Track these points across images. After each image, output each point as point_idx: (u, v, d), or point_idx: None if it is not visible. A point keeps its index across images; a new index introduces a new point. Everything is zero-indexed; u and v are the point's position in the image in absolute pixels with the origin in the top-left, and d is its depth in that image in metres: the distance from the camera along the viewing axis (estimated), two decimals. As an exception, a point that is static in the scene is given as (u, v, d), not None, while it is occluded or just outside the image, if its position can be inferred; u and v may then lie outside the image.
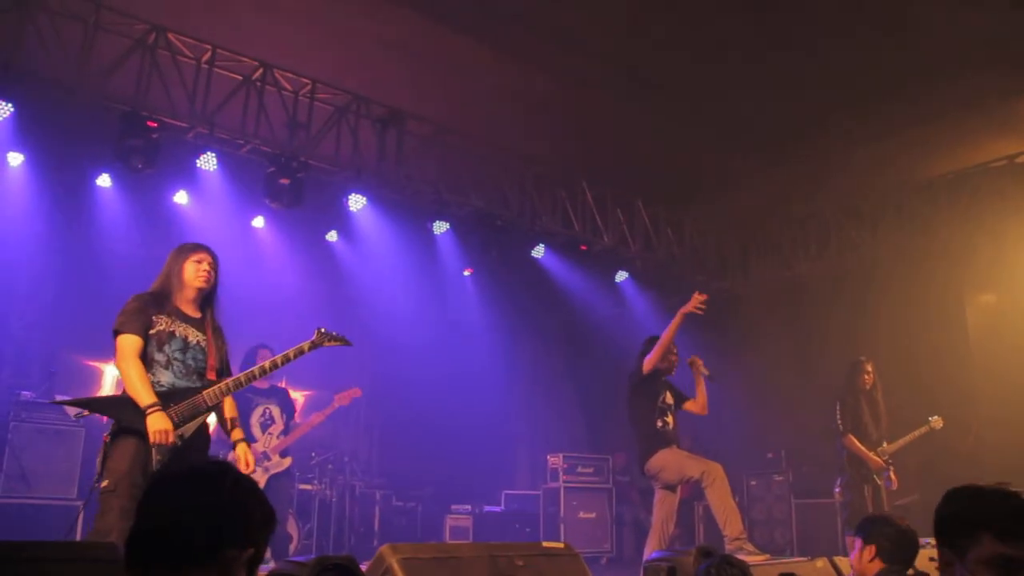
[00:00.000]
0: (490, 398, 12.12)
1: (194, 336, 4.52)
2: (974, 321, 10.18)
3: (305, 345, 4.63)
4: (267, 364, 4.57)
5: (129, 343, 4.32)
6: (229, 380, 4.52)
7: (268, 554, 7.51)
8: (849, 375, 8.14)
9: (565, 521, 10.11)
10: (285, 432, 7.68)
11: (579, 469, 10.53)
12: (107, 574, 2.77)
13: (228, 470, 1.88)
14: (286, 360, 4.58)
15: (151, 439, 4.08)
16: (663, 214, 11.60)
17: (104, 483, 4.11)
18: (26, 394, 8.09)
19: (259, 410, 7.63)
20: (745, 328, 11.94)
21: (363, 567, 3.46)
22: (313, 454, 9.55)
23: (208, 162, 8.37)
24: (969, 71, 8.47)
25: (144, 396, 4.18)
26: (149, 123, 7.66)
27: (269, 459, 7.47)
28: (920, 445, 8.41)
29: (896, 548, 3.60)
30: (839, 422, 7.97)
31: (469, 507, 10.56)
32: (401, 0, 8.03)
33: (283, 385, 8.26)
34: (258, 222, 9.92)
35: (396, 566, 3.31)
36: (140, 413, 4.14)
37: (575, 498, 10.32)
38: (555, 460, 10.48)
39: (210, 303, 4.72)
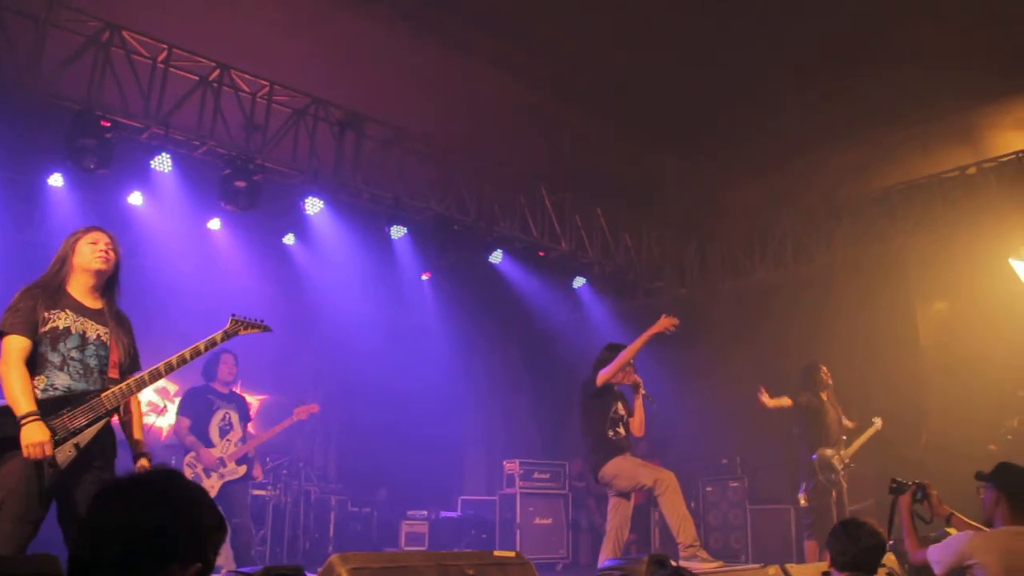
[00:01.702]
0: (446, 403, 12.09)
1: (93, 330, 4.10)
2: (925, 329, 10.34)
3: (217, 336, 4.25)
4: (175, 359, 4.12)
5: (15, 346, 3.88)
6: (131, 380, 4.08)
7: (224, 559, 7.43)
8: (808, 376, 8.23)
9: (521, 527, 10.08)
10: (243, 440, 7.60)
11: (535, 475, 10.52)
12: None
13: (175, 480, 1.79)
14: (196, 353, 4.17)
15: (23, 453, 3.67)
16: (621, 221, 11.65)
17: None
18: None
19: (219, 414, 7.54)
20: (702, 335, 12.00)
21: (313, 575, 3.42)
22: (268, 459, 9.45)
23: (163, 163, 8.24)
24: (923, 82, 8.60)
25: (21, 405, 3.75)
26: (102, 122, 7.53)
27: (225, 465, 7.39)
28: (874, 453, 8.55)
29: (869, 557, 3.62)
30: (800, 423, 8.10)
31: (425, 513, 10.51)
32: (362, 3, 7.99)
33: (238, 390, 8.15)
34: (214, 224, 9.80)
35: (346, 575, 3.27)
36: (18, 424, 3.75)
37: (531, 504, 10.30)
38: (511, 466, 10.46)
39: (111, 290, 4.28)
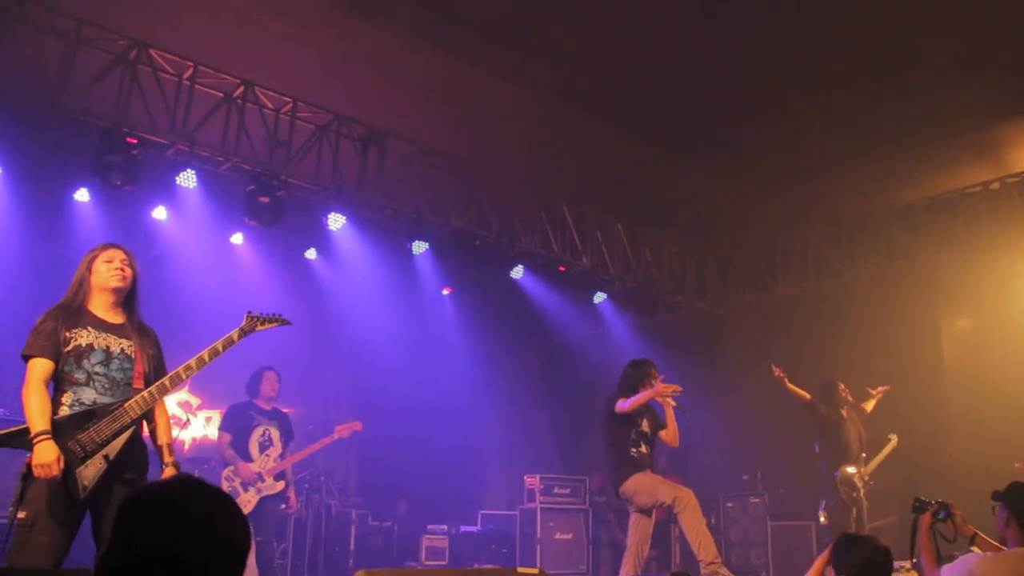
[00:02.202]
0: (467, 418, 12.10)
1: (116, 344, 4.16)
2: (949, 345, 10.29)
3: (234, 334, 4.28)
4: (194, 361, 4.15)
5: (38, 368, 3.96)
6: (153, 387, 4.11)
7: (248, 574, 7.47)
8: (827, 394, 8.22)
9: (541, 542, 10.06)
10: (282, 456, 7.65)
11: (556, 490, 10.50)
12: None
13: (218, 500, 1.73)
14: (215, 353, 4.19)
15: (33, 472, 3.73)
16: (642, 236, 11.65)
17: (21, 514, 3.75)
18: (-1, 411, 7.99)
19: (259, 431, 7.61)
20: (722, 350, 12.00)
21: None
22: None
23: (188, 179, 8.34)
24: (945, 97, 8.57)
25: (36, 424, 3.81)
26: (129, 139, 7.62)
27: (263, 480, 7.44)
28: (895, 468, 8.51)
29: (864, 574, 3.59)
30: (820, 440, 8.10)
31: (445, 527, 10.50)
32: (382, 19, 8.05)
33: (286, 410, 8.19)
34: (237, 239, 9.89)
35: (371, 590, 3.29)
36: (55, 438, 3.82)
37: (552, 519, 10.28)
38: (532, 480, 10.44)
39: (131, 304, 4.33)
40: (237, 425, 7.58)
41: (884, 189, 10.28)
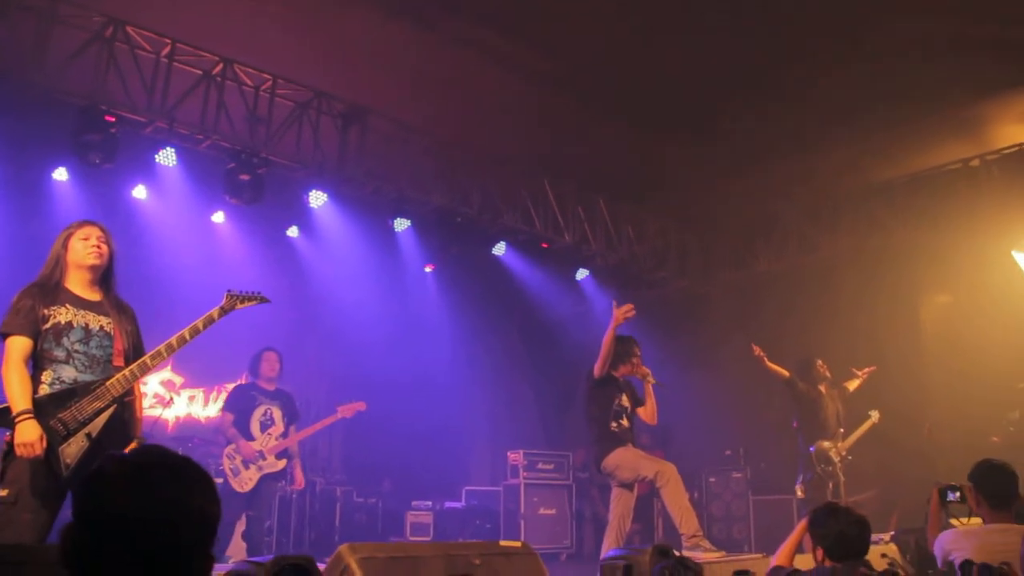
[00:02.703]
0: (451, 394, 12.14)
1: (96, 322, 4.14)
2: (928, 322, 10.40)
3: (214, 312, 4.26)
4: (174, 339, 4.13)
5: (16, 346, 3.93)
6: (134, 364, 4.09)
7: (236, 551, 7.50)
8: (804, 370, 8.28)
9: (525, 517, 10.15)
10: (284, 435, 7.67)
11: (539, 465, 10.58)
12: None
13: (181, 467, 1.64)
14: (195, 332, 4.18)
15: (16, 451, 3.71)
16: (625, 213, 11.68)
17: (3, 492, 3.73)
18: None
19: (260, 410, 7.62)
20: (704, 326, 12.07)
21: (322, 566, 3.47)
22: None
23: (167, 157, 8.31)
24: (926, 74, 8.60)
25: (17, 403, 3.80)
26: (107, 117, 7.57)
27: (264, 458, 7.47)
28: (874, 444, 8.60)
29: (838, 545, 3.63)
30: (798, 415, 8.18)
31: (430, 503, 10.57)
32: (363, -2, 8.00)
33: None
34: (218, 217, 9.85)
35: (354, 565, 3.32)
36: (36, 416, 3.81)
37: (535, 494, 10.37)
38: (515, 456, 10.52)
39: (108, 282, 4.31)
40: (239, 405, 7.64)
41: (863, 166, 10.33)
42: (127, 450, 3.94)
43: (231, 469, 7.36)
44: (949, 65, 8.43)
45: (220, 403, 9.34)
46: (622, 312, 6.46)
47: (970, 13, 7.85)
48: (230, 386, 8.69)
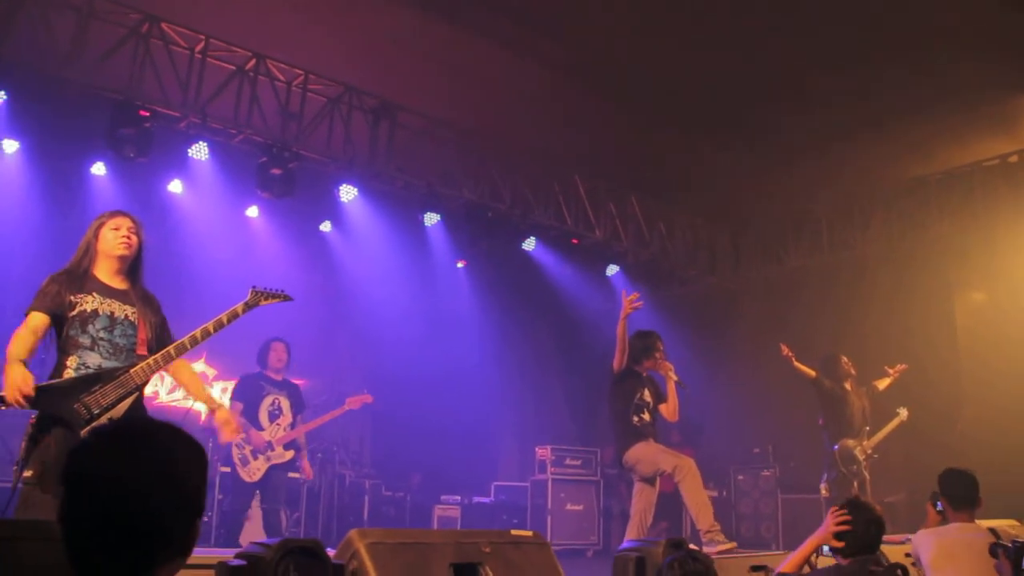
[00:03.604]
0: (480, 389, 12.17)
1: (121, 311, 4.23)
2: (963, 319, 10.24)
3: (239, 307, 4.33)
4: (199, 332, 4.22)
5: (32, 319, 4.07)
6: (158, 354, 4.17)
7: (243, 539, 7.55)
8: (829, 366, 8.20)
9: (552, 513, 10.16)
10: (292, 425, 7.74)
11: (567, 461, 10.59)
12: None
13: (168, 436, 1.65)
14: (219, 325, 4.25)
15: (7, 399, 3.81)
16: (655, 209, 11.65)
17: (27, 473, 3.81)
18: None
19: (268, 400, 7.67)
20: (734, 323, 12.01)
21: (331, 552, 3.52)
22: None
23: (200, 151, 8.42)
24: (962, 70, 8.49)
25: (11, 356, 3.91)
26: (141, 112, 7.71)
27: (273, 449, 7.53)
28: (905, 442, 8.50)
29: (851, 540, 3.63)
30: (823, 413, 8.12)
31: (458, 498, 10.61)
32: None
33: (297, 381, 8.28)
34: (252, 212, 9.97)
35: (363, 550, 3.36)
36: (63, 401, 3.91)
37: (563, 490, 10.37)
38: (543, 452, 10.53)
39: (136, 273, 4.39)
40: (247, 395, 7.68)
41: (897, 162, 10.21)
42: (216, 416, 4.49)
43: (240, 459, 7.42)
44: (987, 60, 8.32)
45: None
46: (629, 302, 6.47)
47: (1008, 6, 7.74)
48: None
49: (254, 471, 7.40)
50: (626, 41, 8.70)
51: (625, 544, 4.61)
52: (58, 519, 1.58)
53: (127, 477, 1.56)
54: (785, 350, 7.99)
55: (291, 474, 9.16)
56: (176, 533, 1.60)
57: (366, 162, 9.17)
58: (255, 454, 7.49)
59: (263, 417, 7.61)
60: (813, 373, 8.09)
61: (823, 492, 8.11)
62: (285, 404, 7.74)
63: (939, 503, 4.89)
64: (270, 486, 7.48)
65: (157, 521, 1.57)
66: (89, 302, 4.17)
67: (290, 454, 7.64)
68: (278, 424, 7.63)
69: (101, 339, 4.15)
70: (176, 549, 1.61)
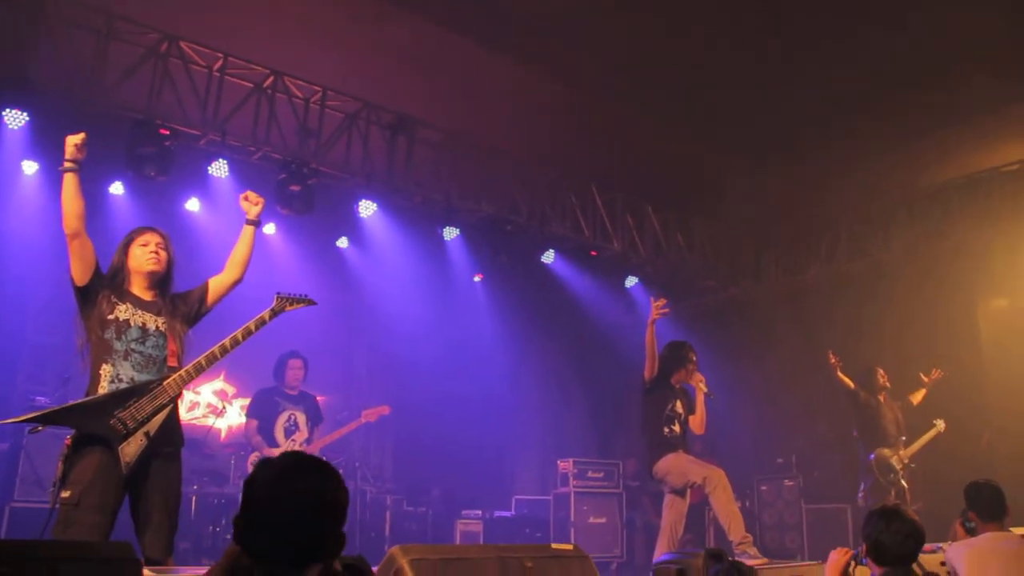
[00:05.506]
0: (500, 403, 12.13)
1: (152, 322, 4.29)
2: (986, 326, 10.14)
3: (265, 314, 4.39)
4: (228, 341, 4.28)
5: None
6: (190, 365, 4.23)
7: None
8: (866, 380, 8.22)
9: (576, 526, 10.09)
10: (308, 441, 7.70)
11: (589, 474, 10.52)
12: (120, 573, 2.78)
13: (323, 465, 2.31)
14: (248, 333, 4.31)
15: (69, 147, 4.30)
16: (673, 219, 11.61)
17: (65, 493, 3.83)
18: (41, 399, 8.13)
19: (284, 415, 7.65)
20: (756, 333, 11.94)
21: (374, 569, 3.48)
22: (323, 458, 9.58)
23: (220, 169, 8.43)
24: (982, 74, 8.45)
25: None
26: (161, 131, 7.72)
27: None
28: (930, 455, 8.45)
29: (883, 550, 3.58)
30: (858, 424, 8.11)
31: (479, 512, 10.55)
32: (410, 6, 8.08)
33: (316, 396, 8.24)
34: (269, 229, 9.97)
35: (406, 566, 3.33)
36: (99, 417, 3.93)
37: (586, 503, 10.31)
38: (565, 465, 10.46)
39: (166, 286, 4.46)
40: (262, 411, 7.65)
41: (917, 168, 10.15)
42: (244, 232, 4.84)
43: None
44: (1006, 61, 8.28)
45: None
46: (656, 307, 6.44)
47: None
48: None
49: None
50: (645, 54, 8.70)
51: (663, 556, 4.57)
52: (239, 530, 2.17)
53: (328, 497, 2.18)
54: (832, 358, 8.00)
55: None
56: (330, 541, 2.22)
57: (384, 177, 9.17)
58: None
59: (279, 434, 7.58)
60: (852, 385, 8.10)
61: (860, 501, 8.10)
62: (301, 419, 7.70)
63: (968, 521, 4.90)
64: None
65: (332, 529, 2.19)
66: (123, 311, 4.23)
67: None
68: (294, 440, 7.59)
69: (133, 351, 4.19)
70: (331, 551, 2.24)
